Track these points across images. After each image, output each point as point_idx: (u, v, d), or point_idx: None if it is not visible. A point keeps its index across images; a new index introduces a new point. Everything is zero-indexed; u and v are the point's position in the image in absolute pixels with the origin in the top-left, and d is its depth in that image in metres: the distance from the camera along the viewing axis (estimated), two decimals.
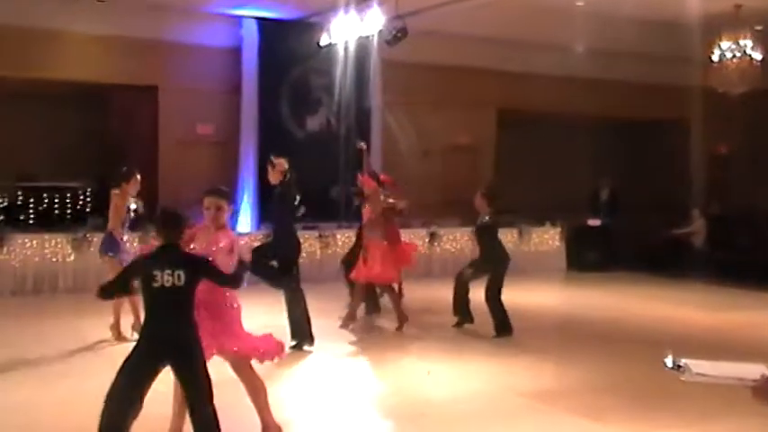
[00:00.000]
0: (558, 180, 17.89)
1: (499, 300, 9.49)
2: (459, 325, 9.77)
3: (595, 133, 18.91)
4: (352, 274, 9.98)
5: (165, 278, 4.63)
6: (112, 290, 4.98)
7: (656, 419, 6.34)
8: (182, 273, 4.65)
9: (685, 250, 15.90)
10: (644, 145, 19.06)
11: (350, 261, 10.56)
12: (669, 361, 4.32)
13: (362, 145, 10.05)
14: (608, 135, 18.91)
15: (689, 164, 17.31)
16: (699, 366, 4.43)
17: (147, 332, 4.74)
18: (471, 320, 9.80)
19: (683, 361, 4.33)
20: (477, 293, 9.70)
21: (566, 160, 18.40)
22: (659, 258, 15.68)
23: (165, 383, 4.93)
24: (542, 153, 18.30)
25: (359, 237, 10.68)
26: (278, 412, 5.90)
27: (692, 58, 14.39)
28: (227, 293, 5.21)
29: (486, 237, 9.66)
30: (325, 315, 9.77)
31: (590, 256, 16.09)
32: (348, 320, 9.72)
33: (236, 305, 5.29)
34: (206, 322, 4.99)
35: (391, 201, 10.19)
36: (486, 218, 9.57)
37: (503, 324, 9.46)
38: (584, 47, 15.87)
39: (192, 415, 4.73)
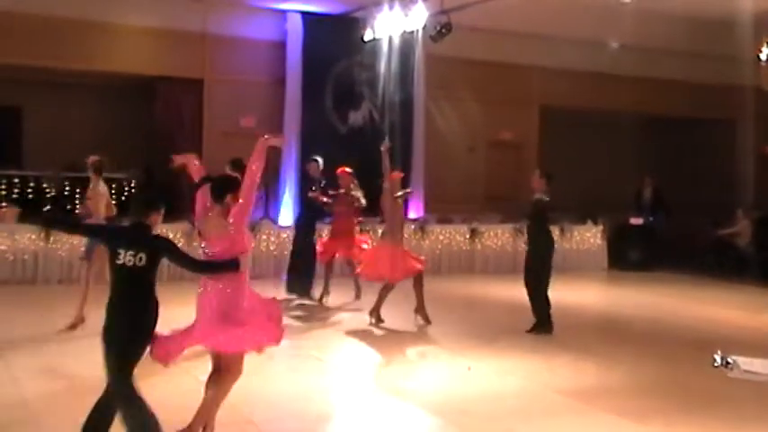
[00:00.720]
0: (601, 178, 17.74)
1: (545, 293, 9.37)
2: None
3: (639, 131, 18.72)
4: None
5: (128, 258, 4.68)
6: (65, 222, 5.00)
7: (698, 422, 6.27)
8: (144, 255, 4.69)
9: (729, 251, 15.69)
10: (689, 144, 18.80)
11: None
12: (718, 357, 4.26)
13: (386, 144, 10.02)
14: (652, 133, 18.71)
15: (735, 163, 17.08)
16: (748, 364, 4.36)
17: (107, 309, 4.78)
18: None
19: (731, 358, 4.27)
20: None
21: (609, 158, 18.24)
22: (703, 259, 15.49)
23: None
24: (585, 150, 18.15)
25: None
26: (319, 407, 5.95)
27: (739, 56, 14.14)
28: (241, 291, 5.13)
29: (539, 217, 9.57)
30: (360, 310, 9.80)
31: (632, 256, 15.94)
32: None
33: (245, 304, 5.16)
34: (214, 314, 5.02)
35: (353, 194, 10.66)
36: (544, 197, 9.50)
37: (542, 320, 9.36)
38: (630, 44, 15.71)
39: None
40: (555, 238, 15.01)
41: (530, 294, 9.48)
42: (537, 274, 9.41)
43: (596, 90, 17.04)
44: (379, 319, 9.56)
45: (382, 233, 10.53)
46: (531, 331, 9.32)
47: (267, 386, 6.64)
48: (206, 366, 5.36)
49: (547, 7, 13.60)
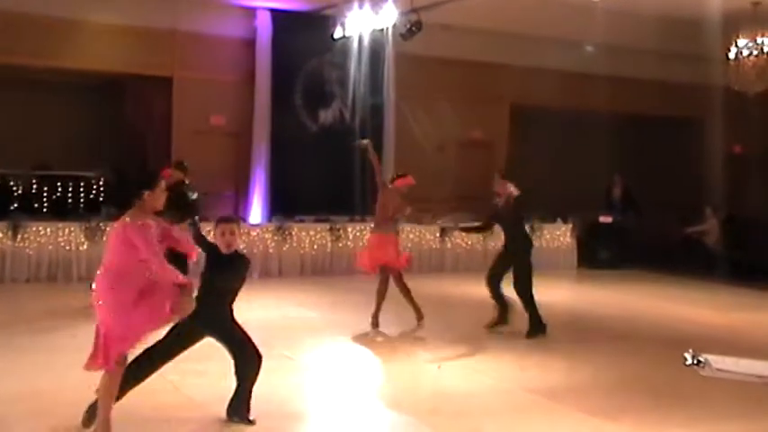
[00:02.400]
0: (571, 176, 17.84)
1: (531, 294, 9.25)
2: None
3: (609, 130, 18.79)
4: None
5: None
6: None
7: (668, 419, 6.30)
8: None
9: (698, 249, 15.85)
10: (658, 142, 18.98)
11: None
12: (689, 356, 4.28)
13: (362, 143, 9.92)
14: (622, 132, 18.80)
15: (703, 162, 17.23)
16: (719, 362, 4.40)
17: None
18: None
19: (703, 356, 4.30)
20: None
21: (579, 157, 18.33)
22: (671, 257, 15.63)
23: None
24: (555, 149, 18.23)
25: None
26: (289, 406, 5.92)
27: (708, 55, 14.30)
28: None
29: (516, 217, 9.43)
30: (337, 309, 9.76)
31: (602, 254, 16.06)
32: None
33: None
34: None
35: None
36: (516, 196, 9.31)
37: (536, 321, 9.23)
38: (600, 43, 15.81)
39: None
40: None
41: (523, 300, 9.27)
42: (524, 278, 9.25)
43: (567, 89, 17.12)
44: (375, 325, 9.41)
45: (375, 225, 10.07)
46: (529, 336, 9.16)
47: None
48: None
49: (517, 6, 13.65)
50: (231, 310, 5.57)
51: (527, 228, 9.56)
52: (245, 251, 5.72)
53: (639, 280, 14.49)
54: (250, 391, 5.60)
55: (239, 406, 5.61)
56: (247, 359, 5.55)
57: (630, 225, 16.16)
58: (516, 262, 9.27)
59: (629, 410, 6.47)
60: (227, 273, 5.55)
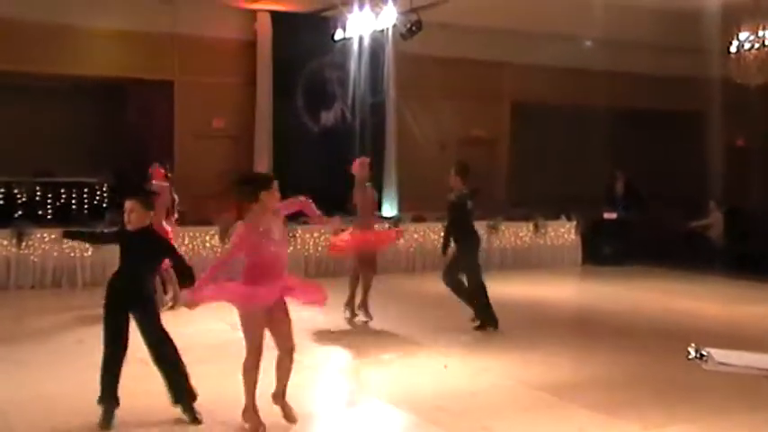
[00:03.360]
0: (574, 173, 17.80)
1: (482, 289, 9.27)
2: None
3: (611, 125, 18.78)
4: None
5: None
6: None
7: (673, 414, 6.31)
8: None
9: (702, 243, 15.81)
10: (660, 137, 18.95)
11: None
12: (692, 350, 4.28)
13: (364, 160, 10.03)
14: (624, 127, 18.79)
15: (706, 156, 17.20)
16: (723, 356, 4.39)
17: None
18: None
19: (706, 350, 4.30)
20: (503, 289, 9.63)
21: (581, 153, 18.31)
22: (675, 252, 15.59)
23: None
24: (558, 145, 18.23)
25: None
26: (294, 406, 5.93)
27: (709, 48, 14.26)
28: None
29: (459, 215, 9.29)
30: (341, 309, 9.78)
31: (606, 250, 16.01)
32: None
33: None
34: None
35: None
36: (463, 193, 9.15)
37: (488, 316, 9.28)
38: (600, 38, 15.79)
39: None
40: (530, 233, 15.28)
41: (460, 295, 9.30)
42: (471, 274, 9.21)
43: (567, 85, 17.14)
44: (362, 315, 9.62)
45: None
46: (479, 329, 9.23)
47: (241, 387, 6.61)
48: None
49: (516, 3, 13.65)
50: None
51: (472, 227, 9.36)
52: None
53: (643, 275, 14.47)
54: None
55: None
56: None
57: (634, 221, 16.13)
58: (461, 258, 9.25)
59: (635, 406, 6.48)
60: None
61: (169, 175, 10.47)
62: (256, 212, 5.53)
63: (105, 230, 6.39)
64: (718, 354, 4.47)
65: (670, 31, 14.82)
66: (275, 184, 5.62)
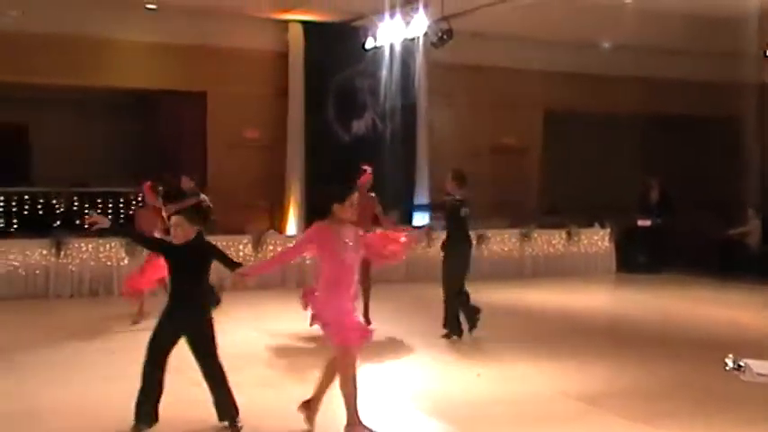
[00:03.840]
0: (607, 180, 17.67)
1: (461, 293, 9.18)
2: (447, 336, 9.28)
3: (645, 132, 18.66)
4: None
5: None
6: None
7: (711, 424, 6.22)
8: None
9: (738, 251, 15.59)
10: (696, 143, 18.68)
11: None
12: (730, 361, 4.21)
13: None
14: (658, 134, 18.63)
15: (743, 162, 16.98)
16: (761, 367, 4.32)
17: None
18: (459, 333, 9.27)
19: (743, 361, 4.23)
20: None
21: (615, 160, 18.19)
22: (712, 260, 15.40)
23: None
24: (591, 153, 18.10)
25: None
26: (327, 413, 5.93)
27: (746, 53, 14.11)
28: None
29: (453, 218, 9.33)
30: (374, 317, 9.77)
31: (640, 258, 15.87)
32: None
33: None
34: None
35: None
36: (456, 198, 9.22)
37: (453, 324, 9.19)
38: (633, 44, 15.69)
39: None
40: (563, 240, 15.19)
41: (445, 296, 9.23)
42: (453, 278, 9.14)
43: (600, 92, 17.04)
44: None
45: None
46: (445, 336, 9.18)
47: (279, 396, 6.65)
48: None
49: (548, 11, 13.59)
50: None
51: (465, 231, 9.34)
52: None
53: (679, 283, 14.31)
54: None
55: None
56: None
57: (668, 228, 15.97)
58: (445, 260, 9.20)
59: (672, 416, 6.40)
60: None
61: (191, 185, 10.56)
62: (333, 220, 5.58)
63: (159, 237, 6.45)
64: (756, 365, 4.39)
65: (703, 36, 14.68)
66: (352, 197, 5.60)
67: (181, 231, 5.67)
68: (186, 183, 10.37)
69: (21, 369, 7.59)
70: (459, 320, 9.21)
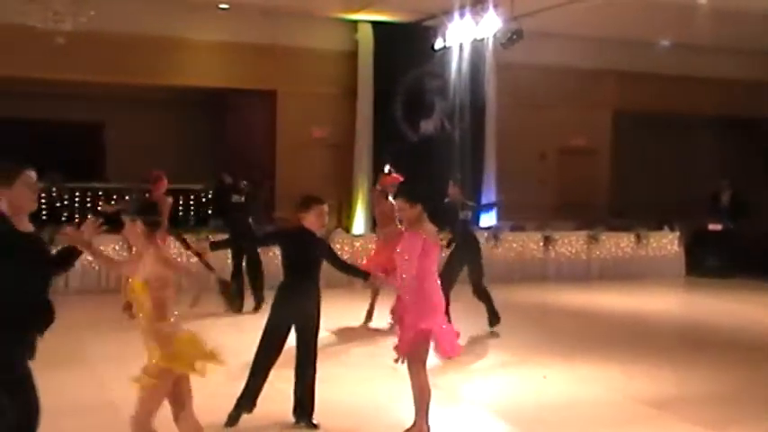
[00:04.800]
0: (678, 183, 17.37)
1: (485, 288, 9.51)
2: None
3: (717, 134, 18.27)
4: None
5: None
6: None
7: None
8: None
9: None
10: None
11: None
12: None
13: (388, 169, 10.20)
14: (730, 135, 18.23)
15: None
16: None
17: None
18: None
19: None
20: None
21: (686, 162, 17.86)
22: None
23: None
24: (661, 155, 17.82)
25: None
26: (393, 414, 5.99)
27: None
28: None
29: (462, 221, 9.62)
30: None
31: (711, 262, 15.53)
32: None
33: None
34: None
35: None
36: (455, 199, 9.62)
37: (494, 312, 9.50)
38: (706, 45, 15.37)
39: None
40: (632, 243, 14.97)
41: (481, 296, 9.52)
42: (447, 274, 9.02)
43: (671, 93, 16.75)
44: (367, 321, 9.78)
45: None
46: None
47: (341, 394, 6.71)
48: None
49: (618, 10, 13.41)
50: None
51: (470, 232, 9.83)
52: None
53: (749, 288, 13.97)
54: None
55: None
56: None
57: (740, 232, 15.60)
58: (452, 258, 9.37)
59: (742, 422, 6.30)
60: None
61: (243, 184, 10.78)
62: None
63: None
64: None
65: None
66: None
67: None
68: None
69: (97, 364, 7.77)
70: (495, 311, 9.48)
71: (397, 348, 5.57)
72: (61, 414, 5.43)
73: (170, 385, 4.44)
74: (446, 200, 9.70)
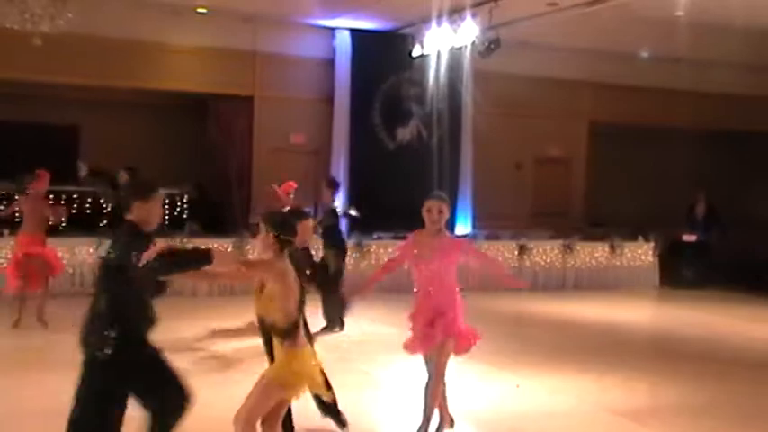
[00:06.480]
0: (653, 193, 17.51)
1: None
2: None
3: (692, 145, 18.44)
4: None
5: None
6: None
7: None
8: None
9: None
10: (744, 158, 18.45)
11: None
12: None
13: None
14: (705, 147, 18.40)
15: None
16: None
17: None
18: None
19: None
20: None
21: (660, 173, 18.00)
22: (758, 276, 15.12)
23: None
24: (636, 165, 17.95)
25: None
26: (366, 421, 5.94)
27: None
28: None
29: (332, 224, 9.97)
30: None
31: (685, 273, 15.64)
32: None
33: None
34: None
35: None
36: (333, 205, 10.02)
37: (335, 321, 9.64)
38: (684, 57, 15.49)
39: None
40: (606, 253, 15.04)
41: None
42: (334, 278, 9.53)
43: (647, 104, 16.89)
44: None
45: None
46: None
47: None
48: None
49: (596, 22, 13.50)
50: None
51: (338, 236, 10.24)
52: None
53: (724, 300, 14.08)
54: None
55: None
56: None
57: (715, 243, 15.73)
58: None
59: None
60: None
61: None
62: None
63: None
64: None
65: (754, 49, 14.46)
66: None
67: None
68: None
69: None
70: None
71: (450, 347, 5.68)
72: None
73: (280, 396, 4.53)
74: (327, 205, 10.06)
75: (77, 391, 4.32)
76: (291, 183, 10.16)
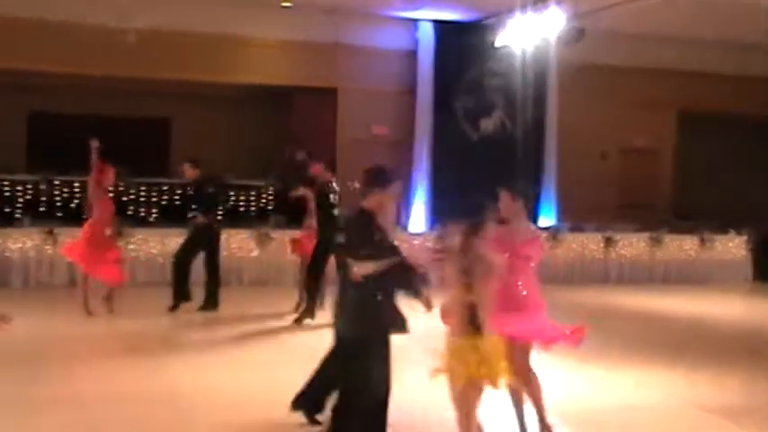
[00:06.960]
0: (745, 185, 16.96)
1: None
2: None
3: None
4: None
5: None
6: None
7: None
8: None
9: None
10: None
11: None
12: None
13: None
14: None
15: None
16: None
17: None
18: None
19: None
20: None
21: (754, 164, 17.43)
22: None
23: None
24: (727, 156, 17.44)
25: None
26: (446, 416, 5.95)
27: None
28: None
29: (328, 205, 9.61)
30: None
31: None
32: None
33: None
34: None
35: None
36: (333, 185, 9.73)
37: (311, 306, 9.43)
38: None
39: None
40: (695, 246, 14.67)
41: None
42: (317, 260, 9.38)
43: (738, 93, 16.37)
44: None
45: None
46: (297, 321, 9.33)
47: (404, 394, 6.70)
48: None
49: (682, 9, 13.17)
50: None
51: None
52: None
53: None
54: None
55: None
56: None
57: None
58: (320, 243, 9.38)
59: None
60: None
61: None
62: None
63: None
64: None
65: None
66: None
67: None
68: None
69: (164, 354, 7.93)
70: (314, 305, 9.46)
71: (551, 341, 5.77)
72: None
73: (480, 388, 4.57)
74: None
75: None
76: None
